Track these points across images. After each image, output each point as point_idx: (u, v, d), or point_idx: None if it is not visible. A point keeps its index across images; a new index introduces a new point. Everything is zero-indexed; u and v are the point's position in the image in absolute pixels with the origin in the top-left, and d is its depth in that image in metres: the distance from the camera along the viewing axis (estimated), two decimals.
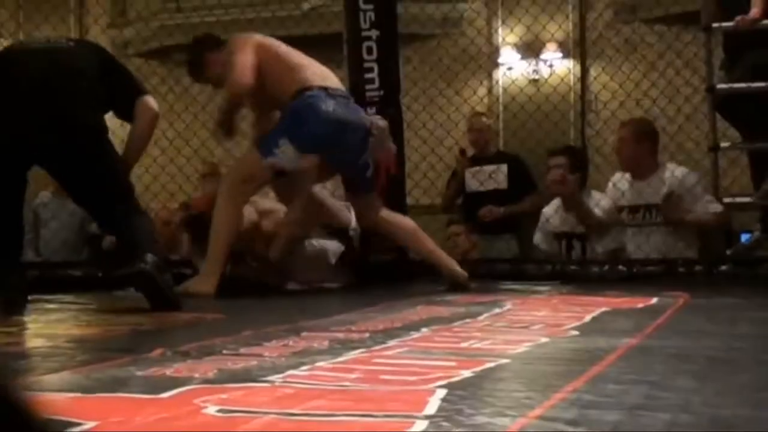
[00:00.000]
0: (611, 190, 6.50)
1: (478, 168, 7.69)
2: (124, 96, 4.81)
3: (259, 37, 5.42)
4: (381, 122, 5.56)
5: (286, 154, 5.00)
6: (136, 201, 4.79)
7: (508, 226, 7.46)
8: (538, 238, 6.96)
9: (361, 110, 5.45)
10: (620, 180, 6.46)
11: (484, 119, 8.00)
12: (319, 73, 5.25)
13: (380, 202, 5.54)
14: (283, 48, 5.37)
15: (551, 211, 6.82)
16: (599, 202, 6.65)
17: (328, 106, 5.05)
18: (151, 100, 4.89)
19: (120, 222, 4.52)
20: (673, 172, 6.20)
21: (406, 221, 5.58)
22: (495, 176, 7.63)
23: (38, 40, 4.83)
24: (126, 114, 4.87)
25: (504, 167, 7.68)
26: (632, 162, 6.35)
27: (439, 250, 5.54)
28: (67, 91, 4.55)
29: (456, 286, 5.18)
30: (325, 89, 5.13)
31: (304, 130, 5.03)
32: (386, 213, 5.54)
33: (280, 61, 5.24)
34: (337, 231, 5.63)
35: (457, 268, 5.38)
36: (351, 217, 5.67)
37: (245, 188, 5.17)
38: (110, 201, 4.57)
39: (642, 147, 6.32)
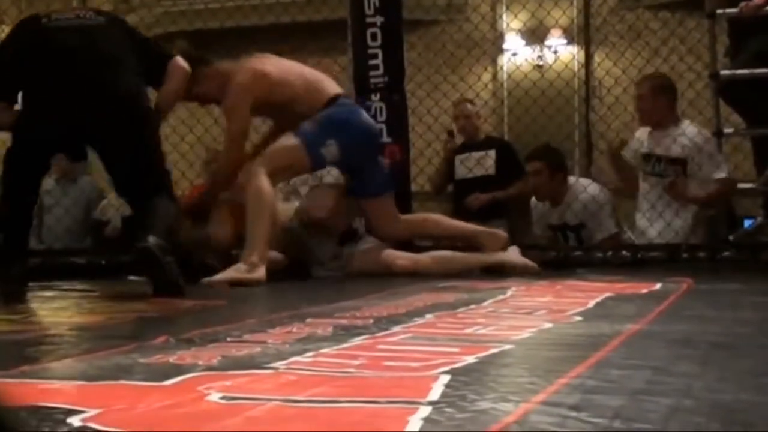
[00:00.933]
0: (634, 141, 6.50)
1: (466, 154, 7.71)
2: (159, 64, 4.86)
3: (268, 64, 5.35)
4: None
5: (331, 153, 5.06)
6: (170, 188, 4.83)
7: (497, 212, 7.45)
8: (536, 228, 7.02)
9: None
10: (642, 132, 6.46)
11: (470, 106, 7.99)
12: (333, 83, 5.33)
13: (396, 210, 5.56)
14: (296, 65, 5.41)
15: (537, 202, 6.90)
16: (587, 188, 6.70)
17: (364, 113, 5.17)
18: (181, 60, 4.95)
19: (143, 204, 4.55)
20: (689, 136, 6.13)
21: (422, 216, 5.63)
22: (483, 162, 7.64)
23: (67, 16, 4.79)
24: (160, 81, 4.90)
25: (492, 153, 7.69)
26: (651, 117, 6.33)
27: (466, 224, 5.60)
28: (112, 66, 4.58)
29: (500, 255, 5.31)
30: (348, 97, 5.21)
31: (350, 135, 5.12)
32: (405, 217, 5.59)
33: (299, 78, 5.28)
34: (348, 233, 5.60)
35: (491, 230, 5.46)
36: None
37: (280, 177, 5.19)
38: (143, 181, 4.61)
39: (659, 102, 6.29)
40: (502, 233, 5.50)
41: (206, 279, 4.80)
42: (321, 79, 5.32)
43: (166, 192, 4.67)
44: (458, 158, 7.73)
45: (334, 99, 5.20)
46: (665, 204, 6.17)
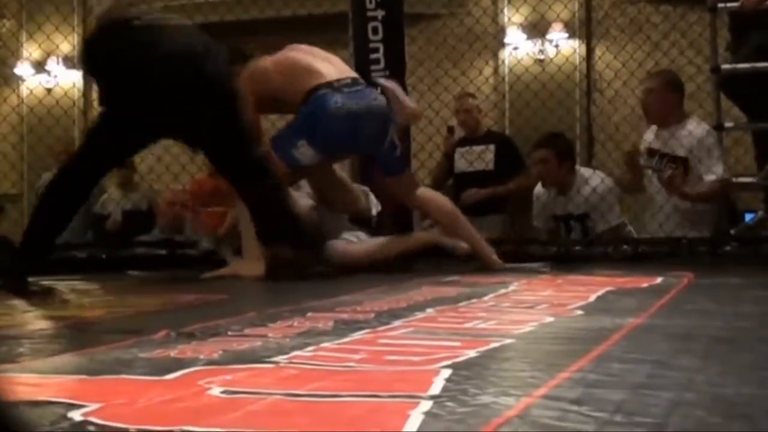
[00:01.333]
0: (643, 141, 6.53)
1: (466, 148, 7.72)
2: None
3: (256, 67, 5.26)
4: (389, 83, 5.54)
5: (304, 154, 5.00)
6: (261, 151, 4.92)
7: (496, 206, 7.45)
8: (536, 218, 7.01)
9: (373, 92, 5.37)
10: (649, 132, 6.49)
11: (471, 100, 8.00)
12: (323, 69, 5.16)
13: (414, 180, 5.56)
14: (287, 55, 5.29)
15: (542, 191, 6.88)
16: (591, 177, 6.71)
17: (336, 101, 5.00)
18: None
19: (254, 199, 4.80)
20: (692, 131, 6.18)
21: (443, 203, 5.55)
22: (483, 156, 7.66)
23: (155, 16, 4.83)
24: None
25: (492, 147, 7.70)
26: (659, 113, 6.37)
27: (478, 236, 5.51)
28: (202, 59, 4.64)
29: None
30: (330, 85, 5.08)
31: (319, 132, 4.99)
32: (423, 191, 5.54)
33: (284, 74, 5.15)
34: (360, 220, 5.59)
35: (494, 257, 5.34)
36: (371, 204, 5.65)
37: None
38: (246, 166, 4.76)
39: (669, 98, 6.34)
40: (499, 263, 5.39)
41: (205, 274, 4.87)
42: (305, 70, 5.15)
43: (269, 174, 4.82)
44: (458, 152, 7.74)
45: (310, 93, 5.06)
46: (672, 208, 6.22)
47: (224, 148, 4.77)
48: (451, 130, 7.94)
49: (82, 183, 4.75)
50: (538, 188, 6.96)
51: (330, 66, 5.23)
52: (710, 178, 6.01)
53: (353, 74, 5.34)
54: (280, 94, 5.15)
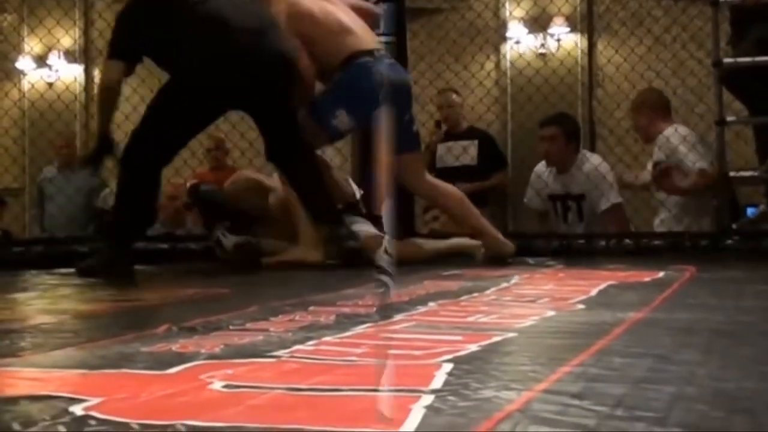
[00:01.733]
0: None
1: (449, 143, 7.79)
2: None
3: (301, 7, 5.20)
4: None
5: (342, 122, 5.04)
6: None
7: (478, 201, 7.47)
8: (529, 196, 7.03)
9: (399, 66, 5.40)
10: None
11: (453, 96, 8.04)
12: (362, 35, 5.18)
13: (423, 164, 5.56)
14: (330, 10, 5.24)
15: (543, 170, 6.91)
16: (590, 158, 6.78)
17: (380, 73, 5.03)
18: None
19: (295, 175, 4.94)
20: (668, 137, 6.31)
21: (451, 189, 5.54)
22: (465, 152, 7.71)
23: None
24: None
25: (474, 143, 7.77)
26: (642, 132, 6.54)
27: (485, 221, 5.51)
28: (263, 33, 4.73)
29: (496, 258, 5.22)
30: (371, 53, 5.08)
31: (361, 104, 5.00)
32: (432, 179, 5.55)
33: (321, 26, 5.14)
34: (347, 206, 5.59)
35: (501, 237, 5.37)
36: (353, 189, 5.64)
37: None
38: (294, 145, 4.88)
39: (643, 117, 6.46)
40: (508, 243, 5.40)
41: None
42: (347, 31, 5.15)
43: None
44: (440, 147, 7.81)
45: (349, 59, 5.08)
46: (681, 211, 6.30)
47: (277, 122, 4.86)
48: (438, 124, 7.99)
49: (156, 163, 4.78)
50: (540, 165, 7.00)
51: (364, 31, 5.25)
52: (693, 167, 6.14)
53: (383, 47, 5.38)
54: (318, 46, 5.14)
